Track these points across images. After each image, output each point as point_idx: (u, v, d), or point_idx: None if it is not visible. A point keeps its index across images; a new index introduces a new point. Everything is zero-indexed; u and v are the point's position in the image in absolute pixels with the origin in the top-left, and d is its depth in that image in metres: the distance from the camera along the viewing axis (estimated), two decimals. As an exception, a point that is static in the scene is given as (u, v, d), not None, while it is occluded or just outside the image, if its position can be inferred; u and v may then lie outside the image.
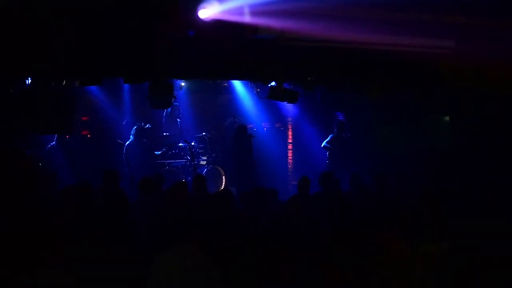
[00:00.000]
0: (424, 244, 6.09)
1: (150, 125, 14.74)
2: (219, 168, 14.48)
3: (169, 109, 14.55)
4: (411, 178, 11.04)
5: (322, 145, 14.35)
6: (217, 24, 9.33)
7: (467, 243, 6.18)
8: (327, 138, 14.40)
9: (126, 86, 14.41)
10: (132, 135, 13.65)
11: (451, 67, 10.27)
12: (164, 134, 14.91)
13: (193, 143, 14.69)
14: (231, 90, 16.02)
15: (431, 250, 6.05)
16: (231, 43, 9.81)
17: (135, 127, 13.80)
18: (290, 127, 16.58)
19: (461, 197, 8.67)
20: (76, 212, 7.46)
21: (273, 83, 11.94)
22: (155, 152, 14.19)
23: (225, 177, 14.38)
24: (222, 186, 14.18)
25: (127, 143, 13.57)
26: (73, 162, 13.05)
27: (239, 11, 9.19)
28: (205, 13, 9.29)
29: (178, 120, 15.42)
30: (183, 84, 14.97)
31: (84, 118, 14.93)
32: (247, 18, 9.27)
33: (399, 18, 9.38)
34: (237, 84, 15.58)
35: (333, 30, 9.50)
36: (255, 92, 14.52)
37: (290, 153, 16.53)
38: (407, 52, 10.15)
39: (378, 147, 13.85)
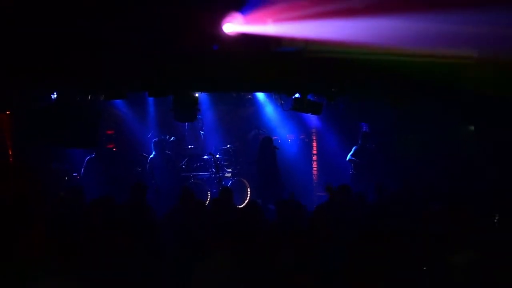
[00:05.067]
0: (451, 254, 6.05)
1: (175, 137, 14.84)
2: (244, 180, 14.49)
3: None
4: (437, 186, 10.96)
5: (347, 158, 14.29)
6: (241, 38, 9.39)
7: (493, 252, 6.12)
8: (351, 149, 14.35)
9: (150, 99, 14.52)
10: (153, 149, 13.75)
11: (474, 76, 10.22)
12: (189, 146, 14.99)
13: (218, 156, 14.74)
14: (255, 102, 16.05)
15: (457, 260, 6.01)
16: (255, 56, 9.85)
17: (154, 140, 13.91)
18: (314, 138, 16.54)
19: (486, 205, 8.60)
20: (101, 226, 7.51)
21: (297, 95, 11.95)
22: (180, 164, 14.27)
23: (250, 189, 14.39)
24: (247, 199, 14.19)
25: (150, 157, 13.68)
26: (109, 174, 13.18)
27: (263, 24, 9.24)
28: (230, 27, 9.36)
29: (201, 132, 15.50)
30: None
31: (109, 132, 15.06)
32: (271, 31, 9.31)
33: (422, 28, 9.34)
34: (261, 96, 15.62)
35: (355, 41, 9.50)
36: (279, 104, 14.54)
37: (315, 165, 16.49)
38: (430, 62, 10.12)
39: (403, 156, 13.77)
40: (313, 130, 16.49)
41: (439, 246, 6.29)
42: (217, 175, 14.09)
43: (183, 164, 14.42)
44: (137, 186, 9.52)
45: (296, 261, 5.89)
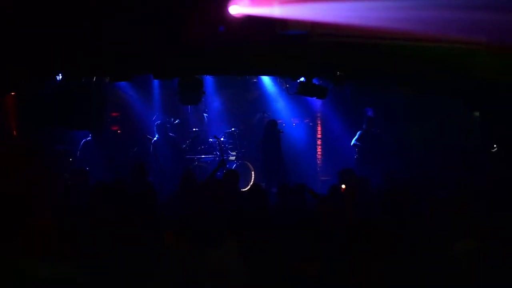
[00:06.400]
0: (452, 243, 6.03)
1: (179, 120, 14.84)
2: (248, 164, 14.49)
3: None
4: (443, 175, 10.94)
5: (352, 143, 14.26)
6: (247, 20, 9.33)
7: (496, 241, 6.09)
8: (356, 134, 14.32)
9: (155, 82, 14.50)
10: (156, 132, 13.74)
11: (483, 62, 10.15)
12: (193, 129, 14.98)
13: (222, 139, 14.73)
14: (260, 86, 16.02)
15: (459, 249, 5.98)
16: (261, 38, 9.78)
17: (156, 122, 13.90)
18: (319, 122, 16.51)
19: (491, 194, 8.56)
20: (108, 208, 7.51)
21: (302, 79, 11.89)
22: (182, 146, 14.27)
23: (254, 173, 14.39)
24: (251, 182, 14.19)
25: (154, 139, 13.67)
26: (106, 157, 13.15)
27: (269, 6, 9.17)
28: (236, 9, 9.29)
29: (204, 114, 15.48)
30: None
31: (114, 114, 15.05)
32: (277, 13, 9.25)
33: (432, 13, 9.26)
34: (266, 80, 15.58)
35: (363, 24, 9.43)
36: (284, 87, 14.50)
37: (319, 149, 16.47)
38: (439, 47, 10.05)
39: (408, 143, 13.74)
40: (318, 114, 16.46)
41: (442, 234, 6.28)
42: (221, 158, 14.09)
43: (186, 146, 14.41)
44: (136, 167, 9.55)
45: (301, 249, 5.88)
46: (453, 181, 10.33)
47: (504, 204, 7.41)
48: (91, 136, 13.29)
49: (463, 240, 6.08)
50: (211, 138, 14.78)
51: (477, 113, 13.41)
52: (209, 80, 14.87)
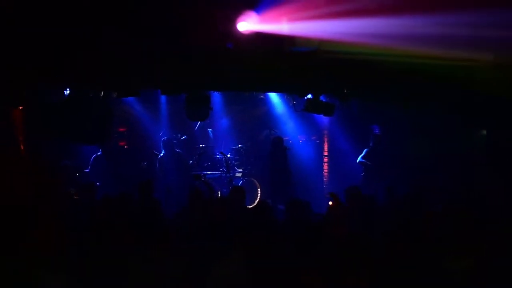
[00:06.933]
0: (448, 260, 6.03)
1: (186, 136, 14.87)
2: (255, 180, 14.47)
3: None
4: (446, 190, 10.92)
5: (358, 160, 14.23)
6: (255, 37, 9.37)
7: (492, 258, 6.08)
8: (362, 151, 14.29)
9: (163, 97, 14.55)
10: (162, 148, 13.76)
11: (489, 79, 10.16)
12: (201, 145, 15.01)
13: (229, 155, 14.74)
14: (267, 102, 16.04)
15: (454, 266, 5.98)
16: (268, 55, 9.82)
17: (163, 139, 13.93)
18: (326, 139, 16.50)
19: (493, 212, 8.55)
20: (114, 222, 7.51)
21: (309, 96, 11.91)
22: (189, 162, 14.28)
23: (260, 190, 14.37)
24: (258, 199, 14.17)
25: (160, 155, 13.69)
26: (116, 172, 13.20)
27: (277, 23, 9.22)
28: (244, 25, 9.34)
29: (209, 130, 15.52)
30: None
31: (121, 129, 15.09)
32: (285, 31, 9.29)
33: (438, 30, 9.29)
34: (273, 96, 15.61)
35: (370, 42, 9.46)
36: (291, 104, 14.53)
37: (325, 166, 16.45)
38: (446, 64, 10.06)
39: (415, 159, 13.71)
40: (325, 132, 16.45)
41: (438, 249, 6.29)
42: (228, 175, 14.09)
43: (193, 162, 14.42)
44: (142, 183, 9.56)
45: (304, 261, 5.89)
46: (453, 196, 10.33)
47: (502, 221, 7.41)
48: (101, 151, 13.33)
49: (459, 255, 6.08)
50: (217, 155, 14.78)
51: (484, 131, 13.40)
52: (216, 96, 14.91)
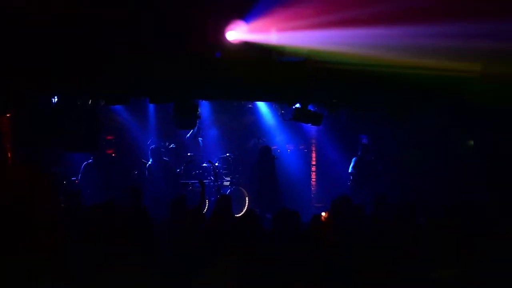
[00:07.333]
0: (434, 270, 6.04)
1: (174, 144, 14.85)
2: (243, 189, 14.46)
3: (194, 130, 14.69)
4: (434, 200, 10.95)
5: (349, 171, 14.24)
6: (243, 46, 9.40)
7: (478, 268, 6.10)
8: (350, 161, 14.32)
9: (151, 105, 14.53)
10: (150, 156, 13.75)
11: (478, 89, 10.23)
12: (189, 154, 14.98)
13: (217, 164, 14.73)
14: (255, 111, 16.06)
15: (440, 276, 5.99)
16: (257, 65, 9.85)
17: (151, 147, 13.92)
18: (314, 149, 16.54)
19: (479, 221, 8.57)
20: (100, 229, 7.48)
21: (297, 105, 11.94)
22: (176, 170, 14.26)
23: (248, 198, 14.36)
24: (245, 207, 14.16)
25: (148, 164, 13.68)
26: (106, 179, 13.16)
27: (266, 33, 9.25)
28: (233, 35, 9.37)
29: (199, 139, 15.50)
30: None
31: (108, 137, 15.06)
32: (273, 40, 9.33)
33: (426, 40, 9.35)
34: (262, 106, 15.64)
35: (358, 52, 9.51)
36: (279, 113, 14.56)
37: (313, 175, 16.48)
38: (434, 74, 10.13)
39: (403, 169, 13.76)
40: (313, 141, 16.49)
41: (422, 259, 6.31)
42: (216, 183, 14.07)
43: (180, 170, 14.40)
44: (131, 190, 9.52)
45: (294, 270, 5.89)
46: (439, 206, 10.37)
47: (491, 231, 7.43)
48: (92, 159, 13.29)
49: (446, 266, 6.10)
50: (205, 163, 14.77)
51: (471, 141, 13.47)
52: (205, 105, 14.91)
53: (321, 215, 8.65)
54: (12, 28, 8.59)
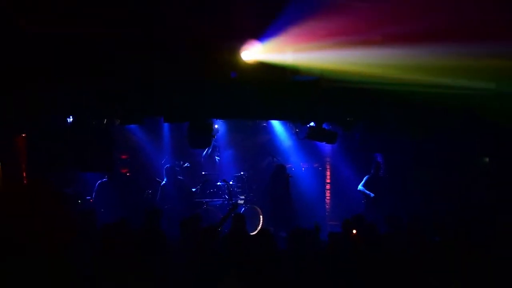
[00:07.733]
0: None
1: (189, 163, 14.87)
2: (257, 208, 14.44)
3: (209, 149, 14.73)
4: (447, 220, 10.91)
5: (358, 188, 14.19)
6: (258, 66, 9.43)
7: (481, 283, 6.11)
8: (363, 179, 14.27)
9: (165, 125, 14.57)
10: (165, 175, 13.76)
11: (493, 108, 10.20)
12: (203, 173, 15.00)
13: (231, 182, 14.73)
14: (270, 130, 16.08)
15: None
16: (272, 84, 9.88)
17: (165, 166, 13.93)
18: (328, 167, 16.52)
19: (492, 237, 8.54)
20: (113, 249, 7.50)
21: (312, 124, 11.94)
22: (192, 189, 14.25)
23: (262, 217, 14.33)
24: (260, 226, 14.13)
25: (162, 183, 13.69)
26: (121, 199, 13.16)
27: (281, 53, 9.28)
28: (248, 55, 9.41)
29: (216, 158, 15.51)
30: (216, 126, 14.95)
31: (123, 157, 15.10)
32: (288, 60, 9.35)
33: (440, 59, 9.34)
34: (276, 124, 15.65)
35: (372, 71, 9.52)
36: (294, 132, 14.56)
37: (328, 193, 16.44)
38: (449, 93, 10.11)
39: (416, 188, 13.70)
40: (327, 159, 16.47)
41: (434, 276, 6.32)
42: (230, 202, 14.06)
43: (196, 190, 14.39)
44: (152, 211, 9.50)
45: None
46: (455, 225, 10.33)
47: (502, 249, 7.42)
48: (107, 178, 13.31)
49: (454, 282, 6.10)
50: (219, 182, 14.77)
51: (486, 159, 13.41)
52: (220, 124, 14.95)
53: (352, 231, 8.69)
54: (28, 46, 8.67)
